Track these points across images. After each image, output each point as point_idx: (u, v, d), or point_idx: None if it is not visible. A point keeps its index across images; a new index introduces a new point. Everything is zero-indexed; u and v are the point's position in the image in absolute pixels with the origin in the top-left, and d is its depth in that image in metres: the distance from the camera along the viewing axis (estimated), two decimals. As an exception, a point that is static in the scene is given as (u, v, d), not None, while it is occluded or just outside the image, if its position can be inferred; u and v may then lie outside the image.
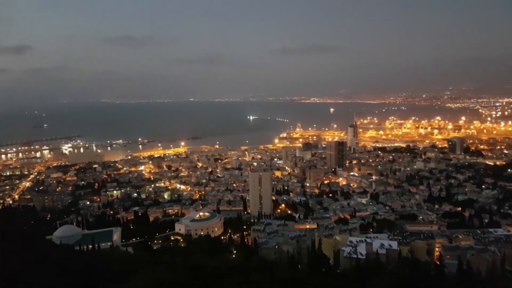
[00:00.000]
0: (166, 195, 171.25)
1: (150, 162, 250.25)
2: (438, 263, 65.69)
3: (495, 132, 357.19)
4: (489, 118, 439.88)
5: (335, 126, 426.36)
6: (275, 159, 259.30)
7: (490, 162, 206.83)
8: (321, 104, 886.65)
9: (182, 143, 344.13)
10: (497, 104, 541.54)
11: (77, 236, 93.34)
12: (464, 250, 72.52)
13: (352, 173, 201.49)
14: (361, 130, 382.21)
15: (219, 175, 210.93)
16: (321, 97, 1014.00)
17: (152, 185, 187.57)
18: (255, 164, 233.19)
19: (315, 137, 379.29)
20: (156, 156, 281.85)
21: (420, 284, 44.63)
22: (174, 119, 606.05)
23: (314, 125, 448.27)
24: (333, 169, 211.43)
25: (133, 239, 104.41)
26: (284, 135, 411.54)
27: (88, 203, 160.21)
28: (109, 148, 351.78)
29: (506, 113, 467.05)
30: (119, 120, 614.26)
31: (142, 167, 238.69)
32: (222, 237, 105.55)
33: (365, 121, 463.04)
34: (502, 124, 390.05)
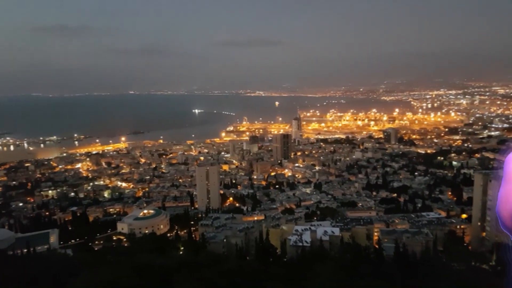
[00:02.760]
0: (106, 194, 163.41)
1: (88, 159, 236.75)
2: (377, 246, 69.87)
3: (425, 122, 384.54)
4: (420, 110, 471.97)
5: (280, 119, 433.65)
6: (223, 153, 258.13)
7: (422, 151, 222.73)
8: (267, 98, 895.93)
9: (123, 139, 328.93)
10: (427, 97, 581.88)
11: (10, 240, 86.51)
12: (400, 233, 77.92)
13: (297, 165, 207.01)
14: (304, 122, 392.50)
15: (164, 170, 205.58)
16: (266, 91, 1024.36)
17: (91, 184, 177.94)
18: (202, 158, 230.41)
19: (261, 130, 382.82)
20: (94, 152, 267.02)
21: (361, 267, 46.94)
22: (113, 113, 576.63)
23: (260, 118, 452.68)
24: (279, 161, 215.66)
25: (72, 241, 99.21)
26: (231, 128, 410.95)
27: (20, 204, 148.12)
28: (42, 145, 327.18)
29: (435, 104, 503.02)
30: (52, 115, 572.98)
31: (79, 165, 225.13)
32: (169, 234, 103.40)
33: (308, 114, 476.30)
34: (432, 115, 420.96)
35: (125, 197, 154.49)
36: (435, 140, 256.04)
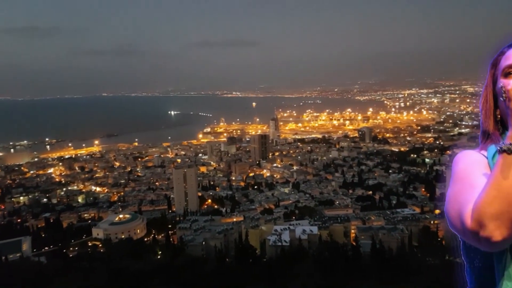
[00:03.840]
0: (80, 199, 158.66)
1: (60, 163, 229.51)
2: (354, 243, 70.99)
3: (399, 121, 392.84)
4: (393, 109, 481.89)
5: (257, 120, 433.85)
6: (200, 155, 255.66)
7: (396, 149, 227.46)
8: (244, 98, 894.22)
9: (96, 142, 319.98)
10: (400, 96, 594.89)
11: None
12: (376, 230, 79.55)
13: (275, 165, 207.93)
14: (281, 123, 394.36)
15: (139, 174, 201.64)
16: (243, 92, 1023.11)
17: (64, 189, 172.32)
18: (179, 160, 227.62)
19: (239, 131, 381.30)
20: (66, 157, 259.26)
21: (339, 265, 47.63)
22: (86, 116, 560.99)
23: (238, 119, 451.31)
24: (257, 162, 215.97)
25: (46, 248, 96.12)
26: (208, 130, 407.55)
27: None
28: (12, 150, 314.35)
29: (407, 103, 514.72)
30: (22, 118, 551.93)
31: (51, 170, 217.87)
32: (146, 239, 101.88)
33: (285, 114, 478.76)
34: (405, 114, 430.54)
35: (100, 202, 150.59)
36: (408, 138, 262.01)
